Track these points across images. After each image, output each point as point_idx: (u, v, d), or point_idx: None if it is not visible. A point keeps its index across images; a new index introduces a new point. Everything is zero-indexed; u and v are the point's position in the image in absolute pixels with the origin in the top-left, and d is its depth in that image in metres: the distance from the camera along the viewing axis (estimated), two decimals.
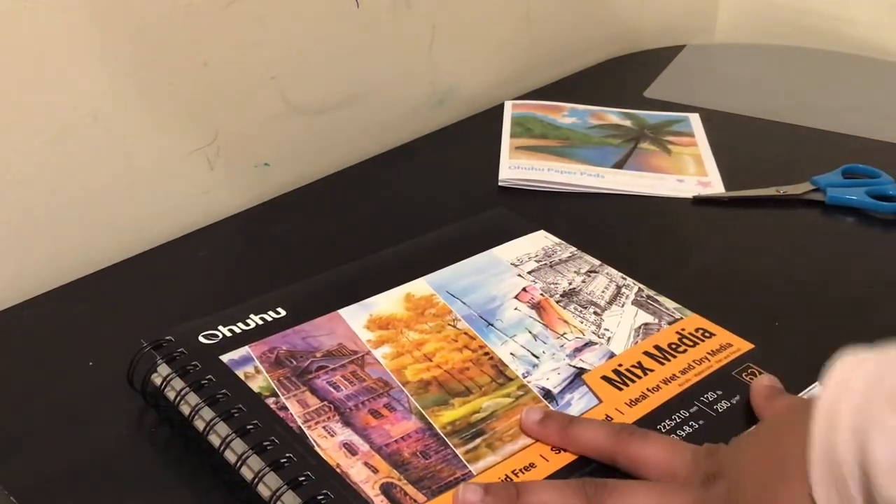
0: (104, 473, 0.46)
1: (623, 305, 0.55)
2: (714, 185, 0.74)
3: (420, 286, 0.56)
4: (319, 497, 0.40)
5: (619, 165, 0.77)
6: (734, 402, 0.47)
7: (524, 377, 0.49)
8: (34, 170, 0.60)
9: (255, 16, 0.68)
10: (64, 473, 0.46)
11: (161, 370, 0.48)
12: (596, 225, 0.69)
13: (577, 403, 0.47)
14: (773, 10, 1.13)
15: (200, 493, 0.45)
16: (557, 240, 0.62)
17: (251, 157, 0.73)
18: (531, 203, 0.72)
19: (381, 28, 0.78)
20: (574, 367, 0.50)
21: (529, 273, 0.58)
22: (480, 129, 0.85)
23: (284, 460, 0.42)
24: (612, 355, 0.51)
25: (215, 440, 0.44)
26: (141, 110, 0.64)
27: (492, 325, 0.53)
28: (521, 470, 0.43)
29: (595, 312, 0.54)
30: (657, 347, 0.51)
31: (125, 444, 0.48)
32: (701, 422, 0.46)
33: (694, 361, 0.50)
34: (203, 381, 0.47)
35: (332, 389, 0.47)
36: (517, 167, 0.76)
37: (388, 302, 0.54)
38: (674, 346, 0.51)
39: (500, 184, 0.74)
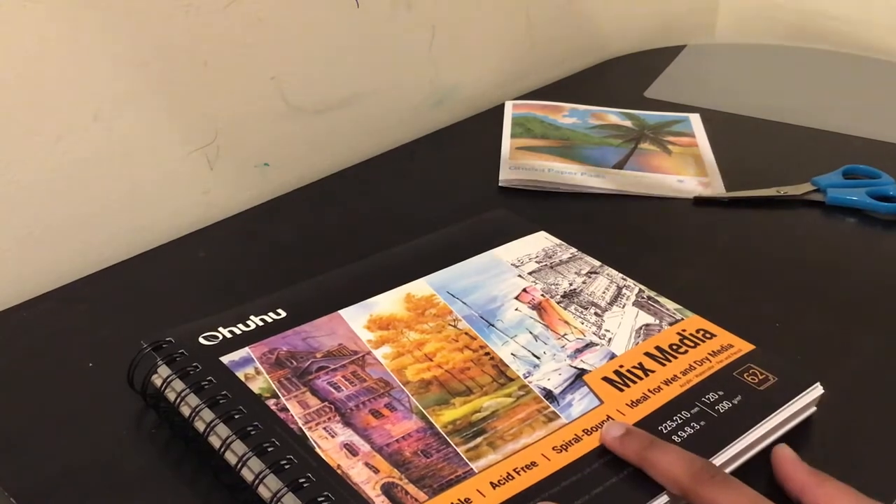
0: (104, 474, 0.46)
1: (624, 306, 0.55)
2: (714, 185, 0.74)
3: (420, 286, 0.56)
4: (320, 499, 0.40)
5: (620, 166, 0.77)
6: (735, 402, 0.47)
7: (525, 377, 0.49)
8: (34, 170, 0.60)
9: (255, 16, 0.68)
10: (64, 474, 0.46)
11: (161, 371, 0.48)
12: (596, 225, 0.69)
13: (579, 404, 0.47)
14: (773, 10, 1.13)
15: (200, 494, 0.45)
16: (558, 241, 0.62)
17: (251, 158, 0.73)
18: (531, 203, 0.72)
19: (381, 28, 0.78)
20: (575, 367, 0.50)
21: (530, 274, 0.58)
22: (480, 130, 0.85)
23: (285, 462, 0.42)
24: (612, 356, 0.51)
25: (215, 441, 0.44)
26: (141, 110, 0.64)
27: (492, 325, 0.53)
28: (522, 469, 0.43)
29: (596, 313, 0.54)
30: (658, 348, 0.51)
31: (125, 445, 0.48)
32: (702, 423, 0.46)
33: (695, 362, 0.50)
34: (203, 383, 0.47)
35: (332, 390, 0.47)
36: (517, 167, 0.76)
37: (389, 302, 0.54)
38: (675, 347, 0.51)
39: (500, 184, 0.74)
